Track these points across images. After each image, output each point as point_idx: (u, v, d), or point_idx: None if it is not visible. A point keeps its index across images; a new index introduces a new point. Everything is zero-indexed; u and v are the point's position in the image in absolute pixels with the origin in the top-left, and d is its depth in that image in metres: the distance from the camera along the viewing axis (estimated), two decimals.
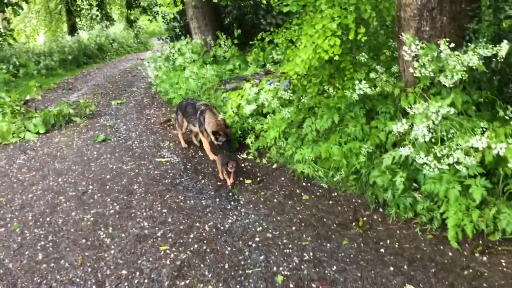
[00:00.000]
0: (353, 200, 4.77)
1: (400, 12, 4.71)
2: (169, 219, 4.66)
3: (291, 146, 5.56)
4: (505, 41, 3.44)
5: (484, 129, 3.43)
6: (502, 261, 3.56)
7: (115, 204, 5.07)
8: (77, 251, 4.14)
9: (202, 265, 3.85)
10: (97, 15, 23.15)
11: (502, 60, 3.49)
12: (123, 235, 4.38)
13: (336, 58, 4.72)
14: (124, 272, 3.79)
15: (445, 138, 3.46)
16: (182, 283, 3.62)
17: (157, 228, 4.49)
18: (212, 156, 6.19)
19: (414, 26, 4.58)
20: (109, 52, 19.50)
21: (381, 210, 4.49)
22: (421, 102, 3.55)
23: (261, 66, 9.55)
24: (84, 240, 4.32)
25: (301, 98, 5.77)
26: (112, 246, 4.19)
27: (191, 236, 4.32)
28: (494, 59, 3.68)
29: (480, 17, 4.67)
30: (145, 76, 13.07)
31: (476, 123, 3.55)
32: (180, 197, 5.18)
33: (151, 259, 3.97)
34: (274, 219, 4.52)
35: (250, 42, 7.50)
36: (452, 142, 3.38)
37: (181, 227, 4.50)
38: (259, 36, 7.15)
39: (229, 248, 4.06)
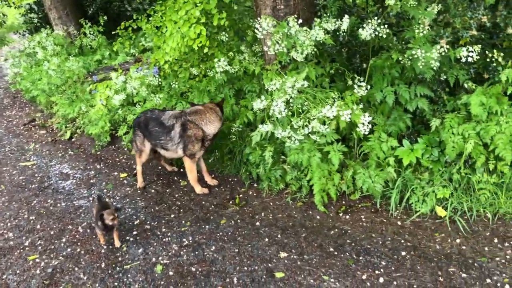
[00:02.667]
0: (230, 180, 4.86)
1: None
2: (38, 226, 4.31)
3: None
4: (346, 16, 3.71)
5: (335, 99, 3.70)
6: (362, 217, 3.92)
7: None
8: None
9: (76, 268, 3.64)
10: None
11: (345, 33, 3.75)
12: None
13: (206, 50, 4.73)
14: None
15: (300, 110, 3.66)
16: None
17: (24, 238, 4.13)
18: (199, 189, 4.64)
19: (270, 5, 4.71)
20: None
21: (255, 185, 4.64)
22: (278, 78, 3.70)
23: (131, 55, 9.18)
24: None
25: (171, 84, 5.67)
26: None
27: (63, 240, 4.05)
28: (340, 33, 3.95)
29: None
30: (5, 74, 11.80)
31: (328, 94, 3.80)
32: (49, 201, 4.81)
33: (18, 271, 3.65)
34: (152, 209, 4.43)
35: (116, 31, 7.15)
36: (308, 114, 3.59)
37: (52, 232, 4.19)
38: (122, 25, 6.85)
39: (105, 247, 3.89)
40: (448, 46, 3.46)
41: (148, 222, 4.21)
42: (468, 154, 3.63)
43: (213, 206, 4.38)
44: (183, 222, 4.15)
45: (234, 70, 4.76)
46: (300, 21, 3.77)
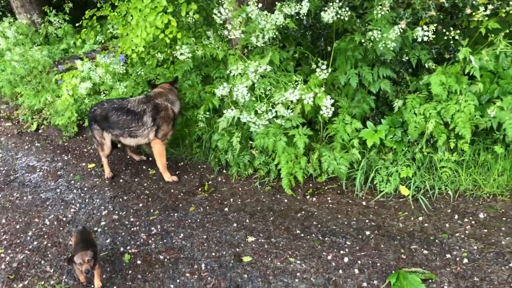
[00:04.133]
0: (199, 167, 4.85)
1: None
2: (3, 220, 4.24)
3: None
4: (306, 0, 3.69)
5: (298, 83, 3.70)
6: (328, 199, 3.97)
7: None
8: None
9: (43, 262, 3.60)
10: None
11: (308, 16, 3.74)
12: None
13: (179, 43, 4.66)
14: None
15: (264, 95, 3.65)
16: (20, 284, 3.36)
17: None
18: (168, 176, 4.62)
19: None
20: None
21: (224, 171, 4.64)
22: (240, 63, 3.68)
23: (99, 43, 8.97)
24: None
25: (138, 71, 5.58)
26: None
27: (30, 233, 3.99)
28: (301, 16, 3.94)
29: None
30: None
31: (291, 78, 3.81)
32: (15, 194, 4.71)
33: None
34: (121, 199, 4.39)
35: (80, 22, 6.96)
36: (271, 98, 3.59)
37: (18, 226, 4.12)
38: (87, 15, 6.68)
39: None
40: (406, 27, 3.49)
41: (117, 212, 4.17)
42: (429, 134, 3.70)
43: (182, 194, 4.37)
44: (152, 211, 4.13)
45: (199, 55, 4.71)
46: (260, 5, 3.75)
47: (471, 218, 3.40)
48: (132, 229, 3.88)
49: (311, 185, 4.19)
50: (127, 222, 3.99)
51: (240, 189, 4.32)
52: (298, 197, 4.05)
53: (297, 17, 4.23)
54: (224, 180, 4.51)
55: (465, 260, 3.01)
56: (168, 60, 5.66)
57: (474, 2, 3.73)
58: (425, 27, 3.28)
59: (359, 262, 3.16)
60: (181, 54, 4.14)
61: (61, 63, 7.21)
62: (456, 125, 3.59)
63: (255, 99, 3.65)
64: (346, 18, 3.72)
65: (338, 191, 4.04)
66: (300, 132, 3.95)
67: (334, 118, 4.01)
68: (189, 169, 4.83)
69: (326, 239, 3.45)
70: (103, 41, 8.56)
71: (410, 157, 3.89)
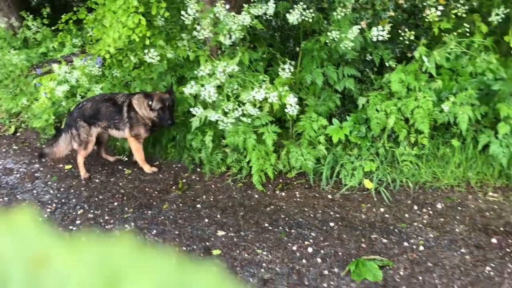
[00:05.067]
0: (174, 166, 4.96)
1: None
2: None
3: None
4: (272, 1, 3.85)
5: (264, 82, 3.85)
6: (297, 193, 4.12)
7: None
8: None
9: None
10: None
11: (277, 17, 3.89)
12: None
13: (147, 42, 4.76)
14: None
15: (231, 94, 3.79)
16: None
17: None
18: (148, 168, 4.77)
19: None
20: None
21: (198, 170, 4.77)
22: (208, 63, 3.81)
23: (79, 46, 9.04)
24: None
25: (113, 73, 5.68)
26: None
27: None
28: (268, 17, 4.09)
29: None
30: None
31: (258, 78, 3.95)
32: None
33: None
34: (96, 198, 4.48)
35: (56, 26, 7.04)
36: (239, 97, 3.73)
37: None
38: (63, 19, 6.76)
39: None
40: (366, 28, 3.66)
41: (92, 211, 4.27)
42: (391, 129, 3.88)
43: (156, 192, 4.48)
44: (126, 209, 4.23)
45: (172, 57, 4.83)
46: (228, 6, 3.88)
47: (429, 208, 3.59)
48: (107, 226, 3.98)
49: (281, 180, 4.34)
50: (101, 221, 4.09)
51: (213, 186, 4.44)
52: (268, 193, 4.20)
53: (266, 19, 4.39)
54: (198, 178, 4.64)
55: (421, 248, 3.18)
56: (145, 62, 5.77)
57: (430, 2, 3.92)
58: (379, 27, 3.45)
59: (322, 252, 3.31)
60: (149, 57, 4.25)
61: (40, 67, 7.26)
62: (415, 121, 3.77)
63: (223, 98, 3.79)
64: (311, 20, 3.88)
65: (306, 186, 4.19)
66: (269, 130, 4.09)
67: (301, 116, 4.17)
68: (164, 168, 4.94)
69: (292, 231, 3.59)
70: (82, 44, 8.65)
71: (374, 152, 4.07)
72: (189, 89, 3.69)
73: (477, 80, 3.72)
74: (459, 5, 3.76)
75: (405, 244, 3.24)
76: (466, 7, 3.56)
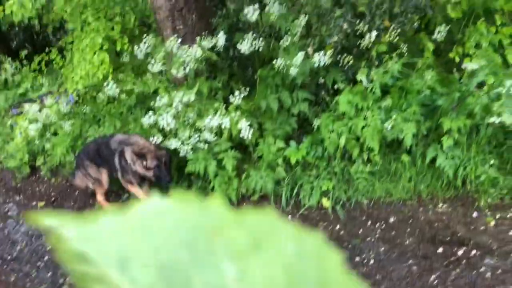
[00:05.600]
0: None
1: (156, 15, 5.10)
2: None
3: None
4: (222, 32, 4.05)
5: (217, 109, 4.00)
6: None
7: None
8: None
9: None
10: None
11: (219, 48, 4.08)
12: None
13: (110, 78, 4.94)
14: None
15: (187, 122, 3.94)
16: None
17: None
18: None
19: (170, 26, 4.98)
20: None
21: None
22: (164, 93, 3.98)
23: (60, 84, 9.24)
24: None
25: (83, 109, 5.83)
26: None
27: None
28: (218, 48, 4.27)
29: (225, 12, 5.33)
30: None
31: (214, 105, 4.11)
32: None
33: None
34: None
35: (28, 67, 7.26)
36: (195, 125, 3.88)
37: None
38: (36, 61, 6.99)
39: (15, 275, 3.99)
40: (312, 53, 3.85)
41: None
42: (343, 148, 4.01)
43: None
44: None
45: (137, 91, 5.00)
46: (180, 40, 4.07)
47: (382, 222, 3.69)
48: None
49: (245, 204, 4.44)
50: None
51: None
52: None
53: (225, 49, 4.57)
54: None
55: (371, 262, 3.27)
56: (115, 98, 5.93)
57: (374, 29, 4.12)
58: (321, 53, 3.64)
59: None
60: (108, 91, 4.41)
61: (16, 107, 7.42)
62: (365, 139, 3.91)
63: (179, 127, 3.93)
64: (261, 49, 4.07)
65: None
66: (229, 155, 4.22)
67: (259, 140, 4.31)
68: (131, 198, 5.03)
69: None
70: (60, 83, 8.85)
71: (332, 171, 4.19)
72: (147, 119, 3.83)
73: (422, 96, 3.88)
74: (399, 28, 3.97)
75: (357, 259, 3.33)
76: (398, 31, 3.74)
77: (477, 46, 4.20)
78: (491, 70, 3.54)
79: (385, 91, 4.03)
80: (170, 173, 4.14)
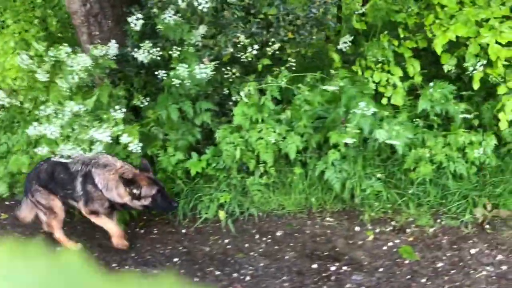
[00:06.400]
0: None
1: (73, 20, 4.96)
2: None
3: None
4: (114, 41, 3.96)
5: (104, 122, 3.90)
6: (155, 230, 4.12)
7: None
8: None
9: None
10: None
11: (108, 57, 3.99)
12: None
13: (18, 82, 4.78)
14: None
15: (72, 133, 3.82)
16: None
17: None
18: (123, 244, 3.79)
19: (86, 31, 4.84)
20: None
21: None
22: (51, 103, 3.86)
23: None
24: None
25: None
26: None
27: None
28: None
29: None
30: None
31: (110, 116, 4.00)
32: None
33: None
34: None
35: None
36: (80, 136, 3.77)
37: None
38: None
39: None
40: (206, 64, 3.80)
41: None
42: (239, 160, 3.98)
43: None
44: None
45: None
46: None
47: (269, 236, 3.66)
48: None
49: (144, 218, 4.34)
50: None
51: (78, 227, 4.40)
52: (129, 231, 4.18)
53: (133, 58, 4.47)
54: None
55: (248, 278, 3.23)
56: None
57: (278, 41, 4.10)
58: (202, 66, 3.60)
59: None
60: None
61: None
62: (259, 151, 3.89)
63: (63, 138, 3.81)
64: (158, 58, 4.01)
65: (166, 221, 4.21)
66: None
67: (159, 152, 4.23)
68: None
69: (137, 269, 3.58)
70: None
71: (231, 183, 4.14)
72: (32, 130, 3.69)
73: (313, 110, 3.88)
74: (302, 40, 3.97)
75: (235, 275, 3.29)
76: (277, 46, 3.75)
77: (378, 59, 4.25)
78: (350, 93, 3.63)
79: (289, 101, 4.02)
80: (170, 198, 3.72)
